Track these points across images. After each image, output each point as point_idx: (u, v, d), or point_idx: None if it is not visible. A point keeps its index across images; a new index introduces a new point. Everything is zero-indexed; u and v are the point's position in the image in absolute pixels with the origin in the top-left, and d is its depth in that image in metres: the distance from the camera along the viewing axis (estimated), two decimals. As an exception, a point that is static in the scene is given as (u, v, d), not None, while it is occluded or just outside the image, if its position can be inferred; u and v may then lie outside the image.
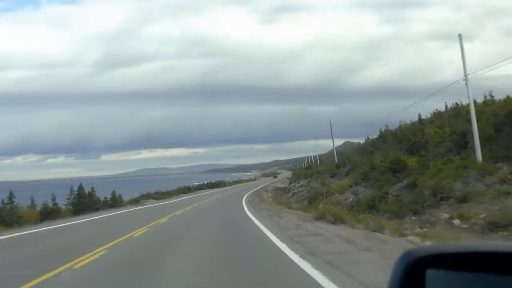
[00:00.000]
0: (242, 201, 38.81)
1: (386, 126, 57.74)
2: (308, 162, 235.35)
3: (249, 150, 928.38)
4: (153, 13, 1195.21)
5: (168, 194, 68.46)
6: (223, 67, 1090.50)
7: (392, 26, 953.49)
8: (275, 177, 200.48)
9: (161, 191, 72.91)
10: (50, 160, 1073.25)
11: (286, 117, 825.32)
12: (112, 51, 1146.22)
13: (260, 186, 78.93)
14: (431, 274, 1.49)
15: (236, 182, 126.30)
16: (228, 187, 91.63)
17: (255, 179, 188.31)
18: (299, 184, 61.63)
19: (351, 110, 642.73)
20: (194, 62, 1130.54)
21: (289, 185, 75.05)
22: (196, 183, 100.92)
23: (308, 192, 50.43)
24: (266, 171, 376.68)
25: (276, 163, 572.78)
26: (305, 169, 75.82)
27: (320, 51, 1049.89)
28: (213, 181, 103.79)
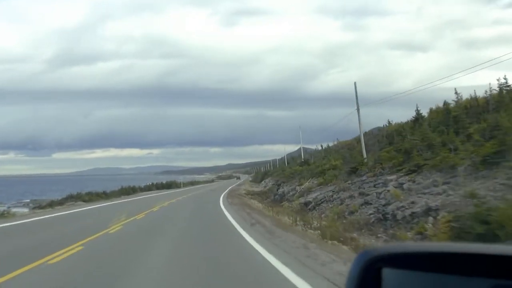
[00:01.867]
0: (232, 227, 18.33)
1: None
2: (269, 166, 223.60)
3: (204, 153, 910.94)
4: (114, 11, 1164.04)
5: (106, 196, 51.92)
6: (182, 68, 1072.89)
7: (352, 34, 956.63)
8: (238, 178, 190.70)
9: (98, 191, 56.07)
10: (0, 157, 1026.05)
11: (242, 121, 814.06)
12: (70, 48, 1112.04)
13: (228, 189, 60.42)
14: (387, 273, 1.49)
15: (191, 184, 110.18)
16: (182, 189, 75.38)
17: (212, 181, 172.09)
18: (300, 187, 43.37)
19: (308, 116, 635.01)
20: (153, 62, 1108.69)
21: (268, 188, 58.88)
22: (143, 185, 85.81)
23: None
24: (221, 174, 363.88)
25: (230, 167, 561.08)
26: (300, 165, 56.26)
27: (280, 56, 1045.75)
28: (164, 182, 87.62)
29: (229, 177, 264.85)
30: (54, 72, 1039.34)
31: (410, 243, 2.84)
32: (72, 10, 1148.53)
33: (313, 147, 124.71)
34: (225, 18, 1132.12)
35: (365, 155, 40.51)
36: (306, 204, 31.93)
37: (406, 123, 40.85)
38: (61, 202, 43.38)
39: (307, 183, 42.65)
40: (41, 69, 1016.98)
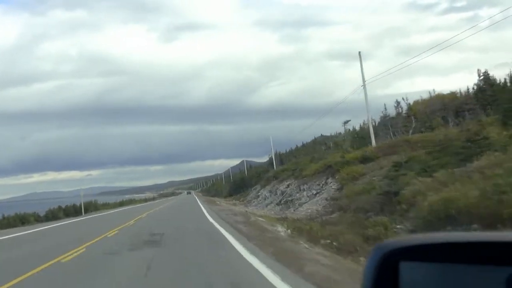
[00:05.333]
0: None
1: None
2: (212, 181, 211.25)
3: (144, 171, 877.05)
4: (49, 30, 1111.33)
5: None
6: (121, 86, 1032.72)
7: (292, 45, 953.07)
8: (189, 193, 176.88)
9: None
10: None
11: (183, 137, 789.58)
12: (3, 70, 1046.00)
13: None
14: (404, 266, 1.44)
15: (120, 204, 78.84)
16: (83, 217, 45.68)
17: (153, 199, 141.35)
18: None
19: (248, 130, 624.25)
20: (91, 81, 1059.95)
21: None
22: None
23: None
24: (162, 191, 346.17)
25: (171, 184, 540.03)
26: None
27: (219, 70, 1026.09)
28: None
29: (172, 194, 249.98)
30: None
31: (426, 235, 1.49)
32: (5, 31, 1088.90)
33: (258, 160, 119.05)
34: (164, 34, 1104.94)
35: (374, 143, 33.74)
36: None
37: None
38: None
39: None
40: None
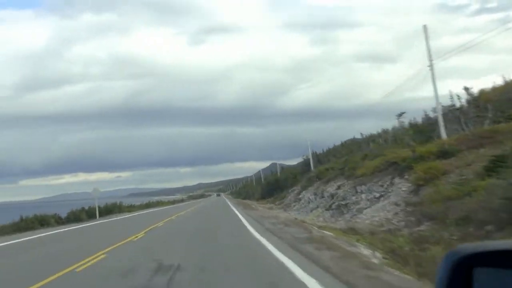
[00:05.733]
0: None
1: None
2: (242, 183, 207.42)
3: (174, 173, 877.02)
4: (78, 34, 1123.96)
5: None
6: (150, 88, 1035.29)
7: (320, 47, 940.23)
8: (219, 195, 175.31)
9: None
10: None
11: (212, 139, 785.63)
12: (35, 73, 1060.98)
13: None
14: (479, 272, 1.41)
15: (146, 206, 72.94)
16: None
17: (183, 200, 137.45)
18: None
19: (278, 132, 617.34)
20: (120, 83, 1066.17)
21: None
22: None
23: None
24: (191, 193, 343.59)
25: (201, 186, 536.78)
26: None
27: (248, 73, 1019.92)
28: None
29: (202, 196, 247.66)
30: (19, 98, 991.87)
31: (502, 240, 1.51)
32: (36, 35, 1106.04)
33: (287, 162, 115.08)
34: (192, 36, 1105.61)
35: (444, 135, 28.37)
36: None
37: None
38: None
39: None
40: (6, 95, 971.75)
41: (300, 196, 38.69)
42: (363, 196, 25.34)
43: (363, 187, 26.07)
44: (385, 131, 47.43)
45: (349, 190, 27.72)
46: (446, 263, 1.44)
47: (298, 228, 18.56)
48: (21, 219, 34.31)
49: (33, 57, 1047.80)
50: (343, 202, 27.09)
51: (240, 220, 26.36)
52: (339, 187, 30.21)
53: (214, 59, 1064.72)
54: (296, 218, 26.71)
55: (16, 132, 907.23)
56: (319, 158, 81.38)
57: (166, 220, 30.65)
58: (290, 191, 55.90)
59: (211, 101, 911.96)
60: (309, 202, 34.77)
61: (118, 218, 39.73)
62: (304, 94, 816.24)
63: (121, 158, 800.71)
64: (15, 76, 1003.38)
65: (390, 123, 40.96)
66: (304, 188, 40.69)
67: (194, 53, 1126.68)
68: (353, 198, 26.26)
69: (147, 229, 22.57)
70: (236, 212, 35.92)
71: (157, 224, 26.40)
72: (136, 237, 18.77)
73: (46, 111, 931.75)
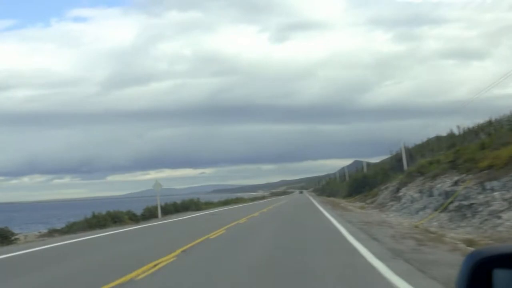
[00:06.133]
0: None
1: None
2: (325, 180, 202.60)
3: (257, 170, 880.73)
4: (164, 31, 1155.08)
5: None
6: (233, 85, 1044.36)
7: (404, 44, 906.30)
8: (301, 192, 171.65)
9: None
10: (56, 181, 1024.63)
11: (295, 136, 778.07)
12: (121, 70, 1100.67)
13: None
14: (498, 274, 1.41)
15: (224, 203, 68.69)
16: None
17: (263, 197, 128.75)
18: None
19: (360, 130, 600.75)
20: (204, 81, 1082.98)
21: None
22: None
23: None
24: (274, 190, 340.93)
25: (283, 183, 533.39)
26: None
27: (331, 69, 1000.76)
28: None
29: (284, 193, 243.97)
30: (107, 94, 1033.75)
31: None
32: (123, 32, 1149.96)
33: (370, 160, 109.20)
34: (275, 33, 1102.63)
35: None
36: None
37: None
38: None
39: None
40: (95, 92, 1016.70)
41: (399, 194, 32.43)
42: (496, 195, 19.05)
43: (495, 183, 19.73)
44: (498, 120, 40.26)
45: (472, 187, 21.38)
46: (466, 265, 1.43)
47: (451, 253, 11.35)
48: (93, 215, 31.29)
49: (120, 54, 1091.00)
50: (465, 203, 20.84)
51: (337, 230, 18.81)
52: (455, 183, 23.85)
53: (297, 56, 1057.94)
54: (416, 226, 20.67)
55: (104, 129, 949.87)
56: (411, 153, 73.96)
57: (233, 224, 23.86)
58: (382, 188, 49.56)
59: (294, 98, 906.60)
60: (412, 202, 28.54)
61: (185, 217, 35.04)
62: (387, 92, 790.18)
63: (205, 154, 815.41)
64: (103, 73, 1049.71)
65: (478, 121, 37.04)
66: (403, 184, 34.36)
67: (278, 50, 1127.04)
68: (480, 197, 19.99)
69: (199, 240, 16.14)
70: (326, 213, 30.30)
71: (219, 231, 19.43)
72: (168, 259, 11.39)
73: (132, 108, 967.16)
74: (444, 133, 68.27)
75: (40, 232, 29.67)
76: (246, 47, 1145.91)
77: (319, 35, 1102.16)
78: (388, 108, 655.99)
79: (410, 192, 29.83)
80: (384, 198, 40.36)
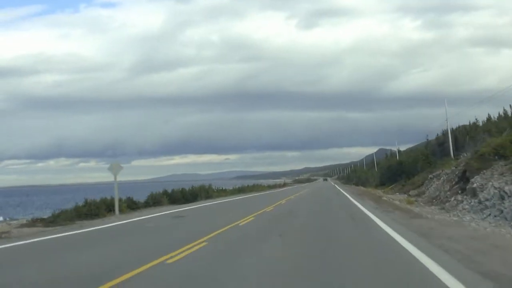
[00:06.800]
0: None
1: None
2: (349, 168, 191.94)
3: (281, 157, 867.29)
4: (192, 17, 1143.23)
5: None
6: (261, 72, 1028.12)
7: (433, 31, 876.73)
8: (325, 179, 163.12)
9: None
10: (82, 165, 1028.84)
11: (320, 124, 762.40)
12: (149, 55, 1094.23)
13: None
14: None
15: (238, 191, 61.52)
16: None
17: (284, 185, 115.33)
18: None
19: (387, 117, 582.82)
20: (232, 66, 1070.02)
21: None
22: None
23: None
24: (297, 177, 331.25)
25: (307, 170, 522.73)
26: None
27: (359, 57, 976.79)
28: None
29: (308, 180, 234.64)
30: (134, 80, 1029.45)
31: None
32: (151, 18, 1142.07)
33: (395, 148, 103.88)
34: (303, 20, 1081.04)
35: None
36: None
37: None
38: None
39: None
40: (122, 77, 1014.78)
41: (473, 185, 22.07)
42: None
43: None
44: None
45: None
46: None
47: None
48: (86, 203, 24.72)
49: (148, 40, 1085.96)
50: None
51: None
52: None
53: (325, 43, 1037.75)
54: None
55: (130, 114, 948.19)
56: (456, 137, 62.93)
57: (229, 226, 15.50)
58: (431, 176, 39.13)
59: (320, 85, 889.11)
60: (502, 198, 18.30)
61: (182, 209, 25.92)
62: (415, 79, 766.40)
63: (230, 140, 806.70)
64: (131, 58, 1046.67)
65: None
66: (474, 172, 23.97)
67: (306, 37, 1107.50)
68: None
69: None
70: (366, 212, 20.54)
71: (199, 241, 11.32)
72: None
73: (160, 93, 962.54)
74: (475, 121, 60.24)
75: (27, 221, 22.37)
76: (275, 33, 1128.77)
77: (347, 22, 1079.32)
78: (416, 96, 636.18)
79: (495, 183, 19.48)
80: (438, 190, 30.31)
